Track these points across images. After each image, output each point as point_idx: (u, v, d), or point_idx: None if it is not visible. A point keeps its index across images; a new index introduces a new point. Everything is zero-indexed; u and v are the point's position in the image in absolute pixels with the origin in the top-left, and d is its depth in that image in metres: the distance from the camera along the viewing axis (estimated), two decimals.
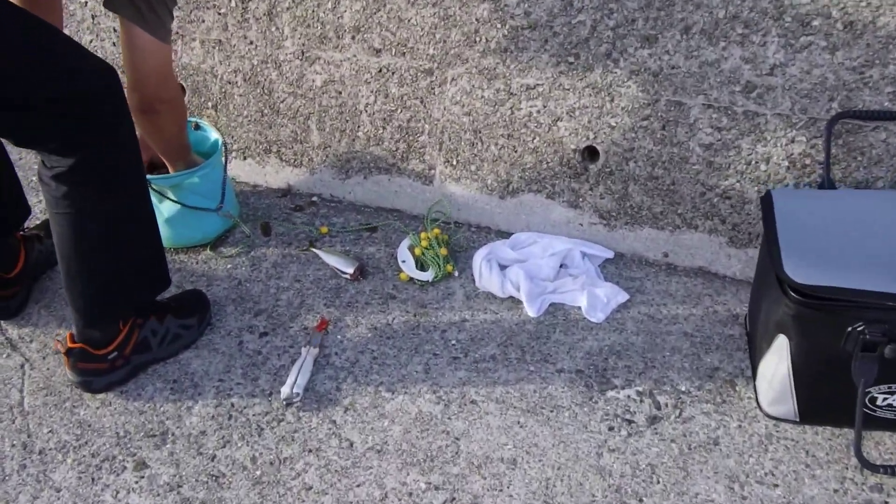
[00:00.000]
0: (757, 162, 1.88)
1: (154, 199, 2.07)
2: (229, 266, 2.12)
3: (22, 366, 1.85)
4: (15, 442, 1.68)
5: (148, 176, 2.00)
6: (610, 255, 2.07)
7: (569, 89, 1.97)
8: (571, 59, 1.94)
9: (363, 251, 2.15)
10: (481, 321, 1.91)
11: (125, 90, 1.63)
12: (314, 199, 2.39)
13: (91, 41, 2.45)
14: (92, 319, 1.68)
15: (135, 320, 1.76)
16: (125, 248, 1.66)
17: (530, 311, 1.91)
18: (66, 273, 1.63)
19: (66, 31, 1.78)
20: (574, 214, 2.11)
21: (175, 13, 1.71)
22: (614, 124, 1.97)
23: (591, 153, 2.05)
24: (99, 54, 2.17)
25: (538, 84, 1.99)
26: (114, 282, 1.67)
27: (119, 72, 1.56)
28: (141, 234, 1.70)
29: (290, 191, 2.42)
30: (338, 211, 2.33)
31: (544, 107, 2.01)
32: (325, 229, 2.22)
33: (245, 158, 2.44)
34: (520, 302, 1.95)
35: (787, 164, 1.86)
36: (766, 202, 1.67)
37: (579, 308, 1.93)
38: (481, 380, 1.76)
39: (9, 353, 1.88)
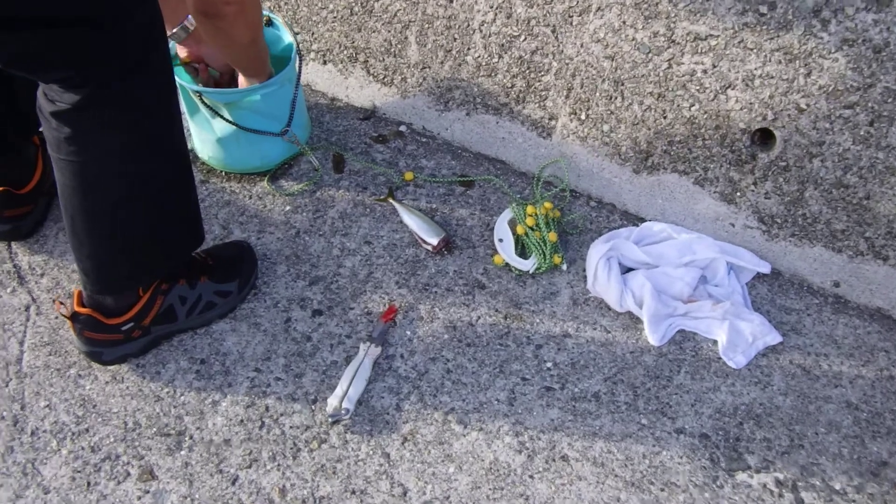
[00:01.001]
0: None
1: (205, 114, 1.67)
2: (288, 208, 1.73)
3: (27, 308, 1.54)
4: (6, 413, 1.39)
5: (199, 88, 1.61)
6: (766, 269, 1.61)
7: (752, 49, 1.46)
8: (764, 10, 1.42)
9: (452, 213, 1.74)
10: (587, 340, 1.52)
11: None
12: (402, 128, 1.95)
13: None
14: (103, 287, 1.33)
15: (158, 285, 1.41)
16: (146, 204, 1.28)
17: (652, 337, 1.50)
18: (71, 229, 1.27)
19: None
20: (726, 210, 1.64)
21: None
22: (805, 106, 1.46)
23: (764, 137, 1.56)
24: None
25: (711, 35, 1.48)
26: (131, 244, 1.31)
27: None
28: (168, 185, 1.31)
29: (374, 113, 1.98)
30: (428, 150, 1.90)
31: (714, 66, 1.51)
32: (409, 175, 1.79)
33: (325, 63, 1.99)
34: (639, 320, 1.54)
35: None
36: None
37: (715, 343, 1.51)
38: (578, 427, 1.39)
39: (14, 288, 1.57)
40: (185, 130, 1.85)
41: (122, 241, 1.29)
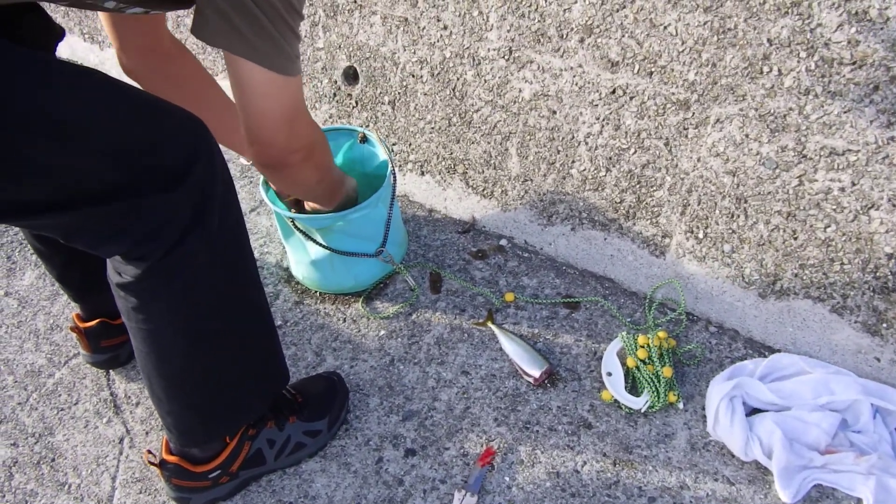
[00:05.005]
0: None
1: (299, 237, 1.62)
2: (383, 332, 1.65)
3: (121, 440, 1.50)
4: None
5: (291, 215, 1.56)
6: None
7: None
8: None
9: (556, 339, 1.61)
10: (707, 493, 1.35)
11: (246, 142, 1.15)
12: (502, 242, 1.84)
13: None
14: (186, 441, 1.28)
15: (245, 430, 1.34)
16: (221, 362, 1.22)
17: (784, 493, 1.32)
18: (150, 389, 1.23)
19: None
20: (869, 343, 1.45)
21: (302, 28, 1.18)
22: None
23: None
24: None
25: (850, 150, 1.32)
26: (209, 402, 1.25)
27: None
28: (243, 337, 1.25)
29: (473, 226, 1.89)
30: (531, 267, 1.78)
31: (853, 185, 1.34)
32: (510, 296, 1.68)
33: (423, 174, 1.92)
34: (768, 470, 1.36)
35: None
36: None
37: (858, 502, 1.32)
38: None
39: (110, 418, 1.54)
40: (281, 251, 1.81)
41: (201, 400, 1.23)
